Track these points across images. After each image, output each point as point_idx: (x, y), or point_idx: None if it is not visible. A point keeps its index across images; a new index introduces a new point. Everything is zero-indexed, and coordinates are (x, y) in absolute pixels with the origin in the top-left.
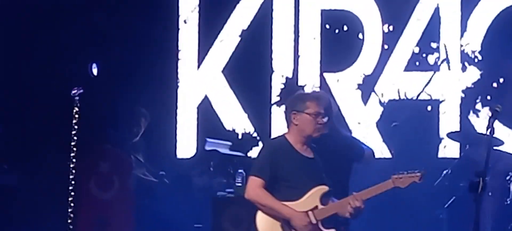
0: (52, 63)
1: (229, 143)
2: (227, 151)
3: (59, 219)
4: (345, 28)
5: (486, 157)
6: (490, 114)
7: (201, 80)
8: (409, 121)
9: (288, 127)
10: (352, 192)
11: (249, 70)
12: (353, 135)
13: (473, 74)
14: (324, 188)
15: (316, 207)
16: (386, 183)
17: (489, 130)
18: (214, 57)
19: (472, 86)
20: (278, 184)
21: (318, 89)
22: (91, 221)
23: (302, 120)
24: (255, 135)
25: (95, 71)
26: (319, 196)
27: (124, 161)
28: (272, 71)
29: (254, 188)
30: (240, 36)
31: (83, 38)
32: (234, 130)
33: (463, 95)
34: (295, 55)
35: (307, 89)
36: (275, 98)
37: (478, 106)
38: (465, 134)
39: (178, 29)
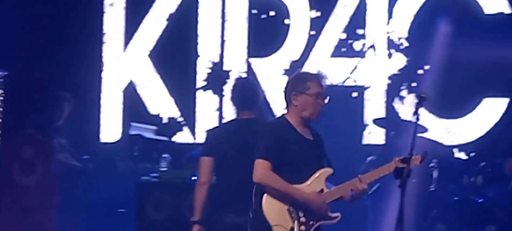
0: None
1: (154, 128)
2: (152, 136)
3: None
4: (272, 13)
5: (411, 143)
6: (416, 101)
7: (126, 64)
8: (335, 107)
9: (287, 107)
10: None
11: (175, 54)
12: None
13: (399, 61)
14: (329, 170)
15: (322, 190)
16: (388, 165)
17: (414, 116)
18: (140, 41)
19: (398, 73)
20: (282, 167)
21: (244, 75)
22: (14, 206)
23: (303, 101)
24: (180, 119)
25: None
26: (324, 179)
27: (47, 145)
28: (198, 55)
29: (264, 171)
30: (167, 20)
31: (6, 20)
32: (159, 115)
33: (388, 81)
34: (221, 40)
35: (233, 75)
36: (200, 83)
37: (404, 93)
38: (390, 120)
39: (103, 12)
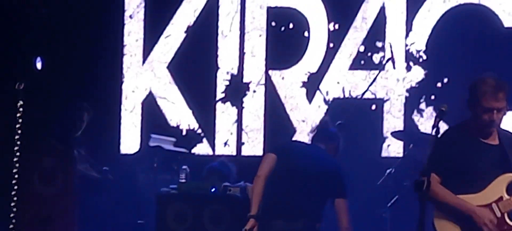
0: None
1: (173, 139)
2: (171, 147)
3: (1, 214)
4: (291, 25)
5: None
6: (435, 114)
7: (146, 76)
8: (354, 120)
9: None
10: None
11: (194, 66)
12: (298, 133)
13: (418, 73)
14: (511, 176)
15: (501, 198)
16: None
17: (434, 130)
18: (159, 53)
19: (417, 85)
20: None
21: (263, 87)
22: (34, 217)
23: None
24: (199, 131)
25: (39, 65)
26: (505, 185)
27: (67, 155)
28: (218, 68)
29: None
30: (185, 32)
31: (27, 32)
32: (178, 126)
33: (407, 94)
34: (240, 52)
35: (252, 87)
36: (220, 95)
37: (422, 105)
38: (409, 133)
39: (123, 24)
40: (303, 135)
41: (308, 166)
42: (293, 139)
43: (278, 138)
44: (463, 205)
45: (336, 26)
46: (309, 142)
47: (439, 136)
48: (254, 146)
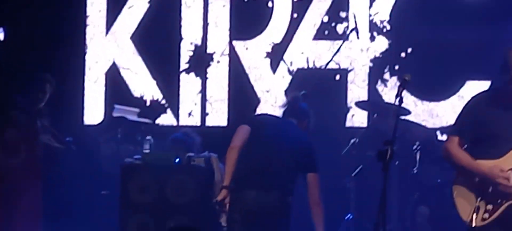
0: None
1: (137, 110)
2: (135, 118)
3: None
4: None
5: (394, 126)
6: (399, 83)
7: (109, 47)
8: (318, 90)
9: None
10: None
11: (158, 37)
12: (262, 103)
13: (382, 44)
14: None
15: None
16: None
17: (397, 99)
18: (122, 23)
19: (381, 55)
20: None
21: (226, 57)
22: None
23: None
24: (163, 102)
25: (1, 36)
26: None
27: (31, 127)
28: (181, 38)
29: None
30: (149, 2)
31: None
32: (142, 97)
33: (371, 64)
34: (204, 23)
35: (216, 58)
36: (183, 65)
37: (386, 75)
38: (373, 103)
39: None
40: (267, 105)
41: (281, 139)
42: (259, 110)
43: (242, 108)
44: (476, 167)
45: None
46: (281, 116)
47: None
48: (218, 116)
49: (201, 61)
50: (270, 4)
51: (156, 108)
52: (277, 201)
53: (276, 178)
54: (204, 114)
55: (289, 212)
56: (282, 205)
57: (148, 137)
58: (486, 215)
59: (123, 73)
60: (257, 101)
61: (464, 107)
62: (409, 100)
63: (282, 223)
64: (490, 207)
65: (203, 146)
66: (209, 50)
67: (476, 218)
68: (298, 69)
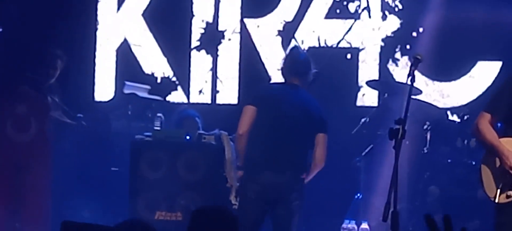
0: None
1: (148, 87)
2: (146, 95)
3: None
4: None
5: (405, 105)
6: (411, 62)
7: (120, 23)
8: (329, 68)
9: None
10: None
11: (169, 14)
12: (273, 81)
13: (393, 23)
14: None
15: None
16: None
17: (409, 78)
18: (134, 0)
19: (392, 35)
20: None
21: (238, 35)
22: (7, 163)
23: None
24: (174, 79)
25: None
26: None
27: (41, 103)
28: (193, 15)
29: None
30: None
31: None
32: (153, 74)
33: (382, 44)
34: (215, 0)
35: (227, 35)
36: (194, 43)
37: (397, 55)
38: (384, 82)
39: None
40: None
41: (289, 111)
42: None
43: (253, 86)
44: (497, 145)
45: None
46: (282, 78)
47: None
48: (229, 94)
49: (212, 38)
50: None
51: (166, 86)
52: (292, 180)
53: (290, 155)
54: (214, 92)
55: (303, 189)
56: (296, 182)
57: (158, 114)
58: (511, 193)
59: (134, 50)
60: (268, 79)
61: (500, 85)
62: (420, 80)
63: (297, 200)
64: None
65: (214, 123)
66: (220, 28)
67: (499, 195)
68: (309, 48)
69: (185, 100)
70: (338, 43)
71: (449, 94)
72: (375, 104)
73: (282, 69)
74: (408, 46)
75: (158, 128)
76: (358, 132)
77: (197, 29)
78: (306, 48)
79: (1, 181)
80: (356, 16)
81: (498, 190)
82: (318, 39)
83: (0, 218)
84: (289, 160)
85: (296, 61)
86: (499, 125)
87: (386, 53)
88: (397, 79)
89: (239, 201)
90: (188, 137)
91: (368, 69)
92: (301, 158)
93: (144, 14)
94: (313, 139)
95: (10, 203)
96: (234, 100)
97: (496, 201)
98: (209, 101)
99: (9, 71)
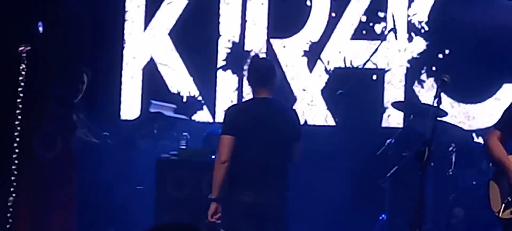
0: None
1: (174, 106)
2: (172, 114)
3: (1, 177)
4: None
5: (432, 127)
6: (436, 85)
7: (147, 42)
8: (354, 89)
9: None
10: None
11: (195, 33)
12: (298, 102)
13: (419, 44)
14: None
15: None
16: None
17: (436, 100)
18: (161, 19)
19: (418, 56)
20: None
21: (262, 55)
22: (33, 181)
23: None
24: (200, 98)
25: (41, 29)
26: None
27: (68, 121)
28: (219, 35)
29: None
30: None
31: None
32: (179, 93)
33: (408, 65)
34: (242, 20)
35: (253, 55)
36: (221, 62)
37: (423, 77)
38: (409, 103)
39: None
40: (303, 104)
41: (264, 130)
42: (295, 108)
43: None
44: (505, 162)
45: None
46: (250, 93)
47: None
48: None
49: (238, 58)
50: (308, 3)
51: (192, 105)
52: (275, 200)
53: (271, 175)
54: None
55: (287, 208)
56: (280, 202)
57: (184, 133)
58: None
59: (160, 69)
60: (294, 99)
61: (511, 103)
62: (446, 102)
63: (282, 220)
64: None
65: None
66: (246, 48)
67: (503, 211)
68: (335, 68)
69: (211, 120)
70: (364, 64)
71: (475, 116)
72: (401, 125)
73: (248, 81)
74: (434, 68)
75: (184, 147)
76: (383, 153)
77: (223, 49)
78: (332, 69)
79: (27, 199)
80: (382, 37)
81: (503, 205)
82: (344, 60)
83: None
84: (271, 180)
85: (259, 69)
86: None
87: (412, 75)
88: (422, 101)
89: (225, 225)
90: (213, 156)
91: (393, 90)
92: (283, 176)
93: (170, 33)
94: (292, 148)
95: (36, 221)
96: None
97: (500, 215)
98: None
99: (36, 89)
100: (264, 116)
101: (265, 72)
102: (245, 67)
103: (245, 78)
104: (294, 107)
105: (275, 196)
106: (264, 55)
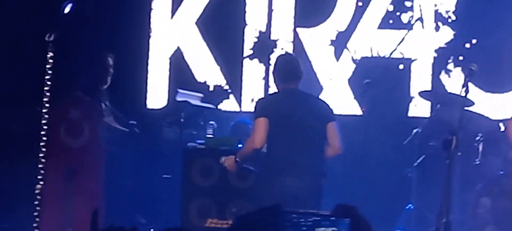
0: (25, 6)
1: (201, 95)
2: (198, 103)
3: (29, 164)
4: None
5: (459, 116)
6: (463, 74)
7: (174, 31)
8: (381, 79)
9: None
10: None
11: (222, 22)
12: (325, 91)
13: (446, 34)
14: None
15: None
16: None
17: (463, 89)
18: (187, 8)
19: (445, 46)
20: None
21: (289, 46)
22: (61, 168)
23: None
24: (226, 87)
25: (68, 9)
26: None
27: (95, 108)
28: (246, 24)
29: None
30: None
31: None
32: (205, 82)
33: (435, 55)
34: (269, 9)
35: (280, 44)
36: (247, 51)
37: (450, 66)
38: (436, 93)
39: None
40: (330, 93)
41: (296, 113)
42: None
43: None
44: None
45: None
46: (279, 87)
47: None
48: None
49: (265, 47)
50: None
51: (219, 94)
52: (311, 185)
53: (307, 160)
54: None
55: (322, 194)
56: (316, 187)
57: (211, 122)
58: None
59: (187, 58)
60: (320, 89)
61: None
62: (473, 91)
63: (316, 204)
64: None
65: None
66: (273, 37)
67: None
68: (362, 58)
69: (237, 109)
70: (391, 53)
71: (502, 105)
72: (427, 115)
73: (274, 78)
74: (460, 58)
75: (211, 136)
76: (410, 142)
77: (250, 38)
78: (359, 58)
79: (54, 186)
80: (409, 26)
81: None
82: (371, 50)
83: (53, 223)
84: (307, 164)
85: (285, 67)
86: None
87: (439, 64)
88: (449, 90)
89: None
90: (240, 145)
91: (420, 80)
92: (318, 160)
93: (197, 23)
94: (325, 132)
95: (63, 207)
96: None
97: None
98: None
99: (63, 77)
100: (294, 102)
101: (291, 70)
102: (272, 61)
103: (270, 74)
104: (320, 96)
105: (311, 181)
106: (289, 52)
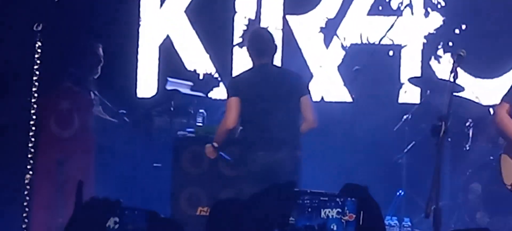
0: None
1: (190, 83)
2: (188, 91)
3: (18, 155)
4: None
5: (448, 102)
6: (454, 58)
7: (163, 20)
8: (371, 65)
9: None
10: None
11: (211, 10)
12: (315, 78)
13: (436, 20)
14: None
15: None
16: None
17: (452, 74)
18: None
19: (435, 32)
20: None
21: (280, 32)
22: (51, 159)
23: None
24: (216, 75)
25: None
26: None
27: (84, 99)
28: (235, 12)
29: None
30: None
31: None
32: (195, 70)
33: (425, 41)
34: None
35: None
36: (237, 39)
37: (440, 52)
38: (426, 79)
39: None
40: (320, 80)
41: (268, 88)
42: (312, 84)
43: None
44: None
45: None
46: (253, 62)
47: None
48: None
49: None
50: None
51: (209, 82)
52: (287, 158)
53: (281, 134)
54: None
55: (300, 166)
56: (292, 159)
57: (201, 110)
58: None
59: (176, 46)
60: (310, 76)
61: None
62: (462, 77)
63: (294, 174)
64: None
65: None
66: (262, 24)
67: None
68: (352, 45)
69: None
70: (380, 40)
71: (492, 91)
72: (417, 101)
73: (249, 53)
74: (450, 44)
75: (200, 124)
76: (400, 129)
77: (239, 26)
78: (348, 45)
79: (45, 177)
80: (398, 13)
81: None
82: (361, 36)
83: (44, 213)
84: (280, 138)
85: (262, 42)
86: None
87: (429, 50)
88: (439, 76)
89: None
90: None
91: (410, 66)
92: (292, 134)
93: (186, 11)
94: (299, 106)
95: (53, 198)
96: None
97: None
98: None
99: (52, 67)
100: (265, 78)
101: (264, 45)
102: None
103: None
104: (310, 84)
105: (286, 154)
106: (262, 26)
